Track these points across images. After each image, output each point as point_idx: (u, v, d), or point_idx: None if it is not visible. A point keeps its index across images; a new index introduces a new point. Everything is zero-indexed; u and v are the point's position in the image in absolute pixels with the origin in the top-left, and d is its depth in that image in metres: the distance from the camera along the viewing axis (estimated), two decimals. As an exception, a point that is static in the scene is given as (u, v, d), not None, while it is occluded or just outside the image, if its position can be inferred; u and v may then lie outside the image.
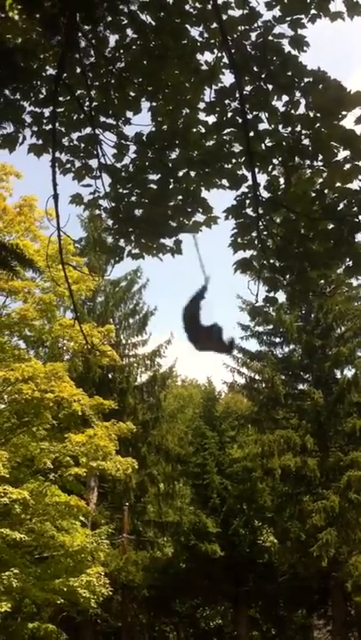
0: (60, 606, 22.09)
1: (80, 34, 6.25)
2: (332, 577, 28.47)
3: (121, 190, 6.66)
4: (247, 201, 5.98)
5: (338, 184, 5.38)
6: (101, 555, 22.97)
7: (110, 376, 32.40)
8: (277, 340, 33.81)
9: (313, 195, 5.68)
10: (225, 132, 5.91)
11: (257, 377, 33.46)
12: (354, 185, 5.40)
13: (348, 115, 5.17)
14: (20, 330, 23.89)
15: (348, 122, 5.44)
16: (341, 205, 5.54)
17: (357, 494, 27.61)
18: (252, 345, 39.66)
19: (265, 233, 5.95)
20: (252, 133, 5.65)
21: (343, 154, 5.30)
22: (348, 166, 5.28)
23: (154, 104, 6.38)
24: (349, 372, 31.64)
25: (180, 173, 6.34)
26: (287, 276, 6.11)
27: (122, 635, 31.29)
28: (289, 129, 5.55)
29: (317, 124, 5.29)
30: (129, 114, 6.49)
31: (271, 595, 32.31)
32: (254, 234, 6.00)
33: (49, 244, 18.21)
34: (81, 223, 32.07)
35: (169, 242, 6.74)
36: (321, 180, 5.59)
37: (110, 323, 31.65)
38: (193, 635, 37.20)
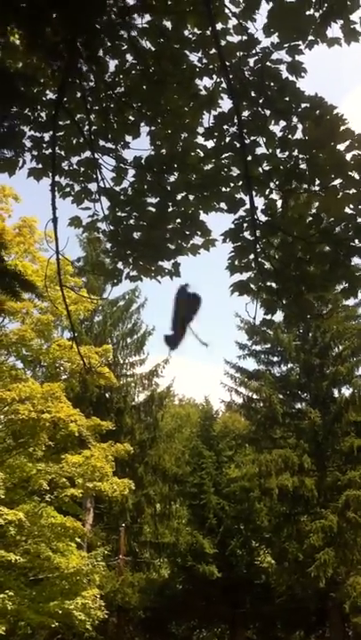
0: (55, 629, 21.85)
1: (80, 59, 6.33)
2: (330, 598, 28.27)
3: (120, 213, 6.71)
4: (245, 224, 6.03)
5: (334, 208, 5.42)
6: (97, 577, 22.76)
7: (107, 396, 32.35)
8: (275, 358, 33.85)
9: (310, 218, 5.74)
10: (223, 156, 5.97)
11: (254, 396, 33.44)
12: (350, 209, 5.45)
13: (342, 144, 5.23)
14: (17, 350, 23.87)
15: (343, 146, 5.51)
16: (338, 229, 5.60)
17: (356, 514, 27.50)
18: (250, 364, 39.71)
19: (262, 256, 5.99)
20: (249, 158, 5.71)
21: (339, 179, 5.35)
22: (344, 191, 5.34)
23: (153, 128, 6.45)
24: (347, 391, 31.71)
25: (179, 197, 6.40)
26: (284, 299, 6.14)
27: (118, 657, 30.95)
28: (286, 153, 5.61)
29: (314, 150, 5.35)
30: (128, 138, 6.55)
31: (268, 616, 32.04)
32: (252, 256, 6.04)
33: (48, 266, 18.25)
34: (80, 243, 32.17)
35: (167, 264, 6.79)
36: (318, 204, 5.64)
37: (108, 342, 31.70)
38: (190, 657, 36.81)
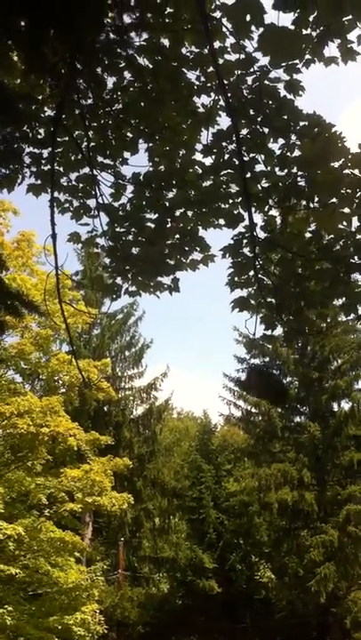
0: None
1: (78, 76, 6.36)
2: (331, 613, 28.10)
3: (118, 229, 6.73)
4: (244, 240, 6.04)
5: (333, 225, 5.43)
6: (96, 592, 22.61)
7: (106, 409, 32.28)
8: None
9: (309, 235, 5.75)
10: (222, 173, 5.99)
11: (253, 410, 33.39)
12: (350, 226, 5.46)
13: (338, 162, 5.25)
14: (16, 363, 23.85)
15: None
16: (338, 246, 5.60)
17: (356, 528, 27.39)
18: (249, 377, 39.58)
19: (262, 272, 5.99)
20: (248, 175, 5.72)
21: (337, 197, 5.37)
22: (341, 209, 5.35)
23: (151, 145, 6.47)
24: (346, 405, 31.67)
25: (178, 213, 6.41)
26: (284, 315, 6.14)
27: (117, 674, 30.70)
28: (285, 171, 5.62)
29: (312, 167, 5.37)
30: (126, 154, 6.57)
31: (269, 631, 31.84)
32: (251, 273, 6.05)
33: (47, 280, 18.27)
34: (78, 257, 32.26)
35: (166, 280, 6.79)
36: (316, 221, 5.65)
37: (106, 355, 31.68)
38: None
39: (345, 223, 5.36)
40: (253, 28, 5.01)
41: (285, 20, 5.10)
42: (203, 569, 30.22)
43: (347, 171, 5.18)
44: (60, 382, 26.21)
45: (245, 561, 32.09)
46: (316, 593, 26.68)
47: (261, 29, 4.98)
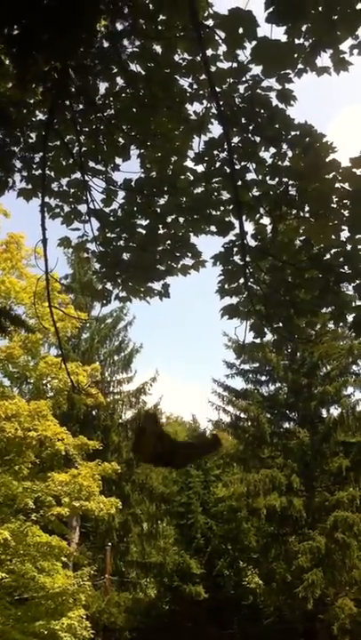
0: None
1: (70, 81, 6.34)
2: (318, 619, 28.08)
3: (109, 235, 6.71)
4: (235, 248, 6.04)
5: (323, 235, 5.44)
6: (83, 597, 22.52)
7: (94, 413, 32.20)
8: (263, 378, 33.84)
9: (299, 244, 5.75)
10: (213, 180, 5.98)
11: (242, 415, 33.38)
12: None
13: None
14: (4, 367, 23.77)
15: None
16: (328, 255, 5.61)
17: (344, 535, 27.40)
18: (238, 383, 39.71)
19: (252, 280, 5.99)
20: (239, 183, 5.72)
21: (327, 207, 5.38)
22: (331, 219, 5.37)
23: (143, 151, 6.46)
24: (335, 411, 31.74)
25: (169, 219, 6.41)
26: (274, 323, 6.14)
27: None
28: (276, 179, 5.63)
29: (303, 178, 5.38)
30: (118, 160, 6.56)
31: (256, 637, 31.76)
32: (241, 280, 6.05)
33: (37, 284, 18.22)
34: (68, 260, 32.19)
35: (157, 285, 6.79)
36: (307, 230, 5.66)
37: (95, 360, 31.64)
38: None
39: (335, 235, 5.37)
40: (246, 40, 5.01)
41: (277, 29, 5.12)
42: (190, 574, 30.16)
43: (338, 184, 5.19)
44: (49, 386, 26.16)
45: (233, 566, 32.06)
46: (303, 599, 26.68)
47: (254, 42, 4.98)
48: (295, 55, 5.32)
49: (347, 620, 26.32)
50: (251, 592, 32.24)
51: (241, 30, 5.00)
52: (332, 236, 5.39)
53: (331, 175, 5.35)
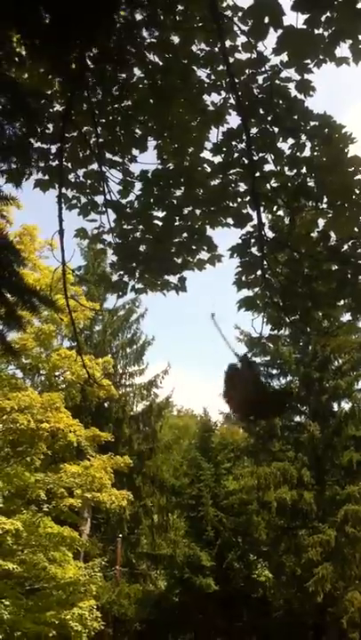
0: (51, 639, 21.73)
1: (88, 72, 6.33)
2: (328, 613, 28.10)
3: (126, 226, 6.71)
4: (252, 240, 6.02)
5: (341, 227, 5.42)
6: (93, 588, 22.63)
7: (106, 405, 32.26)
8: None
9: (317, 236, 5.73)
10: (231, 172, 5.97)
11: (254, 408, 33.30)
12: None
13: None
14: (17, 358, 23.81)
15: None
16: (346, 247, 5.59)
17: (354, 529, 27.38)
18: (249, 376, 39.49)
19: (269, 272, 5.98)
20: (257, 174, 5.70)
21: (346, 200, 5.36)
22: (351, 211, 5.34)
23: (160, 142, 6.45)
24: (347, 405, 31.64)
25: (186, 211, 6.40)
26: (291, 315, 6.13)
27: (113, 670, 30.74)
28: (294, 171, 5.61)
29: (322, 169, 5.36)
30: (135, 151, 6.55)
31: (266, 630, 31.79)
32: (259, 273, 6.03)
33: (53, 276, 18.24)
34: (81, 251, 32.17)
35: (173, 278, 6.78)
36: (325, 222, 5.64)
37: (107, 352, 31.68)
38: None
39: (356, 229, 5.35)
40: (271, 29, 4.98)
41: (293, 20, 5.09)
42: (200, 567, 30.18)
43: (358, 177, 5.16)
44: (61, 378, 26.22)
45: (243, 559, 32.05)
46: (313, 593, 26.69)
47: (280, 31, 4.95)
48: (315, 45, 5.29)
49: (356, 614, 26.29)
50: (261, 585, 32.27)
51: (266, 19, 4.96)
52: (355, 228, 5.37)
53: (351, 169, 5.33)
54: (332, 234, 5.72)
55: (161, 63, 6.17)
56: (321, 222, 5.74)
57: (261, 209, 5.86)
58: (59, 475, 21.50)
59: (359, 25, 5.19)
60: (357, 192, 5.19)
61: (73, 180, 6.73)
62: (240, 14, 5.19)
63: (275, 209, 5.94)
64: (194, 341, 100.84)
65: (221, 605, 30.61)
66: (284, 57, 5.22)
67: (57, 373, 25.33)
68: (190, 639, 34.95)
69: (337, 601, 27.36)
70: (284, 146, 5.69)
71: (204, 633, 33.56)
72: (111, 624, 28.75)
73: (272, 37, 5.14)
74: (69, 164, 6.66)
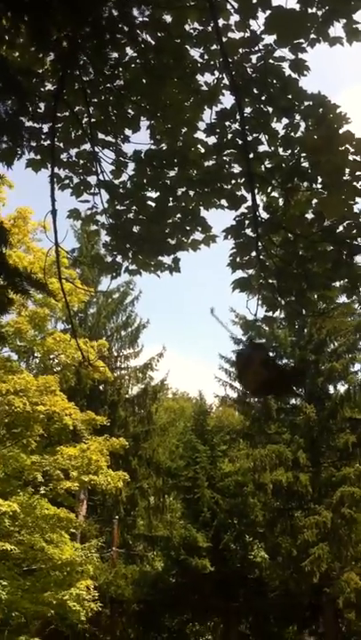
0: (49, 619, 21.93)
1: (80, 51, 6.26)
2: (324, 593, 28.30)
3: (119, 207, 6.67)
4: (246, 221, 5.98)
5: (335, 208, 5.39)
6: (90, 568, 22.81)
7: (101, 388, 32.31)
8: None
9: (312, 216, 5.70)
10: (225, 152, 5.92)
11: (249, 391, 33.40)
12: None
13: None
14: (12, 341, 23.82)
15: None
16: (341, 228, 5.56)
17: (350, 510, 27.54)
18: (245, 359, 39.56)
19: (264, 253, 5.95)
20: (251, 155, 5.66)
21: (340, 180, 5.31)
22: (345, 191, 5.30)
23: (153, 122, 6.39)
24: (342, 388, 31.69)
25: (179, 192, 6.36)
26: (286, 297, 6.10)
27: (110, 650, 31.05)
28: (289, 151, 5.56)
29: (316, 151, 5.32)
30: (128, 131, 6.48)
31: (262, 610, 32.08)
32: (253, 254, 6.00)
33: (46, 258, 18.19)
34: (75, 234, 32.02)
35: (167, 259, 6.75)
36: (319, 203, 5.60)
37: (102, 335, 31.68)
38: (182, 650, 36.88)
39: (347, 208, 5.31)
40: (260, 9, 4.92)
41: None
42: (197, 548, 30.33)
43: (351, 156, 5.12)
44: (56, 361, 26.24)
45: (239, 540, 32.20)
46: (309, 573, 26.87)
47: (268, 11, 4.89)
48: (309, 24, 5.23)
49: (352, 594, 26.51)
50: (257, 566, 32.46)
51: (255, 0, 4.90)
52: (345, 209, 5.33)
53: (344, 147, 5.29)
54: (327, 215, 5.68)
55: (153, 42, 6.10)
56: (315, 203, 5.69)
57: (256, 190, 5.81)
58: (55, 457, 21.60)
59: (353, 4, 5.13)
60: (348, 172, 5.15)
61: (65, 160, 6.66)
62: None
63: (269, 190, 5.90)
64: (189, 324, 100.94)
65: (218, 586, 30.82)
66: (277, 36, 5.16)
67: (52, 356, 25.34)
68: (187, 619, 35.26)
69: (333, 581, 27.57)
70: (279, 126, 5.65)
71: (201, 613, 33.85)
72: (108, 605, 28.97)
73: (265, 16, 5.07)
74: (61, 144, 6.60)
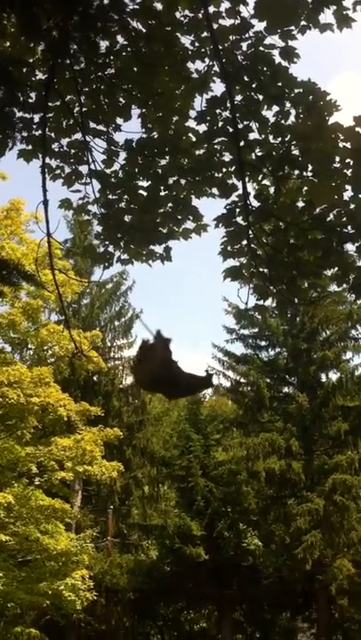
0: (44, 610, 22.02)
1: (70, 39, 6.23)
2: (317, 580, 28.56)
3: (111, 196, 6.65)
4: (237, 210, 5.99)
5: (326, 195, 5.40)
6: (85, 558, 22.91)
7: (95, 379, 32.33)
8: (263, 343, 33.88)
9: (302, 204, 5.71)
10: (216, 140, 5.92)
11: (242, 380, 33.52)
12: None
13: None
14: (5, 333, 23.80)
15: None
16: (331, 216, 5.58)
17: (343, 497, 27.73)
18: (238, 348, 39.68)
19: (255, 241, 5.96)
20: (242, 143, 5.66)
21: (330, 167, 5.33)
22: (335, 179, 5.32)
23: (144, 111, 6.37)
24: (334, 376, 31.89)
25: (171, 181, 6.35)
26: (277, 285, 6.13)
27: (106, 638, 31.20)
28: (279, 139, 5.57)
29: (306, 137, 5.33)
30: (119, 120, 6.47)
31: (255, 598, 32.36)
32: (244, 242, 6.01)
33: (38, 250, 18.14)
34: (67, 224, 31.93)
35: (158, 248, 6.75)
36: (310, 191, 5.61)
37: (96, 325, 31.67)
38: (177, 638, 37.14)
39: (337, 195, 5.33)
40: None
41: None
42: (191, 536, 30.51)
43: (341, 143, 5.14)
44: (50, 353, 26.23)
45: (233, 528, 32.41)
46: (302, 560, 27.10)
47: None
48: (298, 11, 5.23)
49: (345, 581, 26.74)
50: (250, 553, 32.66)
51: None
52: (335, 196, 5.35)
53: (333, 135, 5.30)
54: (318, 202, 5.69)
55: (144, 30, 6.08)
56: (306, 191, 5.71)
57: (246, 178, 5.82)
58: (49, 448, 21.63)
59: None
60: (338, 159, 5.17)
61: (57, 150, 6.64)
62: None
63: (260, 178, 5.91)
64: (182, 314, 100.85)
65: (212, 574, 31.03)
66: (268, 23, 5.16)
67: (45, 347, 25.33)
68: (182, 607, 35.51)
69: (326, 568, 27.81)
70: (269, 114, 5.65)
71: (195, 601, 34.13)
72: (103, 594, 29.14)
73: (255, 0, 5.07)
74: (53, 134, 6.57)
